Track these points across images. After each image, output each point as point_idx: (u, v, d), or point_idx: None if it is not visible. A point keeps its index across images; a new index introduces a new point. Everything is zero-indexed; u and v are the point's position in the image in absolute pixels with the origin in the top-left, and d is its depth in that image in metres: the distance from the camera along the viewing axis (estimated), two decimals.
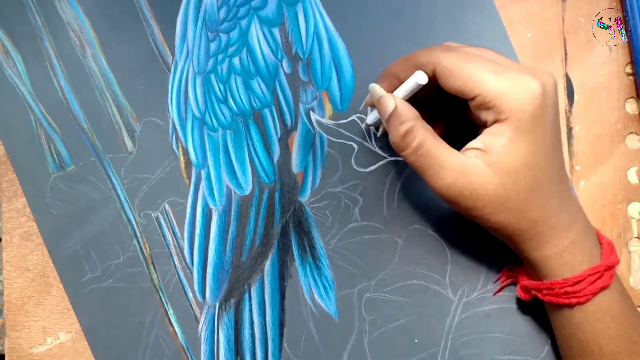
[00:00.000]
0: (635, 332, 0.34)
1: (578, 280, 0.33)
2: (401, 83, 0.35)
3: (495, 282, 0.41)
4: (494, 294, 0.41)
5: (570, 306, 0.34)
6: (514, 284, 0.40)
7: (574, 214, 0.35)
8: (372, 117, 0.40)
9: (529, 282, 0.36)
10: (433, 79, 0.34)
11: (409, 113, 0.34)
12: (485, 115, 0.33)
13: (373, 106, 0.38)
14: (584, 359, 0.35)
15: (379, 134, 0.41)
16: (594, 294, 0.33)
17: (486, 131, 0.33)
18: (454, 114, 0.38)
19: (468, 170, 0.32)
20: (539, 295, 0.36)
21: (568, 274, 0.34)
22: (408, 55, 0.35)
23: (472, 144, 0.33)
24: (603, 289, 0.33)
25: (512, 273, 0.40)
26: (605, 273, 0.33)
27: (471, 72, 0.32)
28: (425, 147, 0.33)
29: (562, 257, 0.34)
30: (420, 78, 0.34)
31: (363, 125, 0.42)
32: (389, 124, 0.35)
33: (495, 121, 0.32)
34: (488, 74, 0.32)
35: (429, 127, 0.34)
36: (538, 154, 0.32)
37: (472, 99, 0.32)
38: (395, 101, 0.34)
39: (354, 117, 0.42)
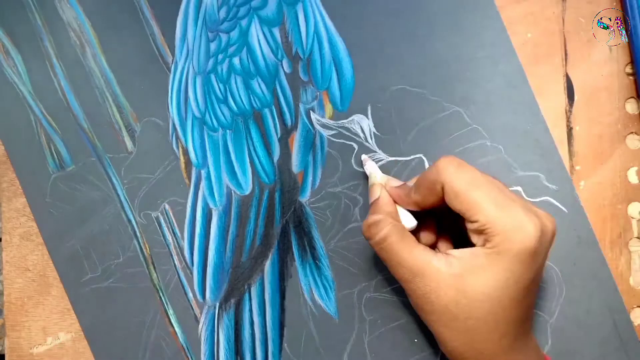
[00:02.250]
0: None
1: None
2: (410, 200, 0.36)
3: None
4: None
5: None
6: None
7: (527, 355, 0.34)
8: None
9: None
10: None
11: (384, 208, 0.36)
12: (477, 239, 0.32)
13: None
14: None
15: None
16: None
17: (470, 249, 0.33)
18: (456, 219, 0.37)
19: (427, 272, 0.32)
20: None
21: None
22: (419, 178, 0.35)
23: (451, 250, 0.33)
24: None
25: None
26: None
27: (476, 199, 0.32)
28: (387, 242, 0.34)
29: None
30: (408, 222, 0.36)
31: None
32: (370, 209, 0.37)
33: (483, 245, 0.32)
34: (491, 205, 0.31)
35: (399, 224, 0.35)
36: (505, 292, 0.31)
37: (471, 222, 0.32)
38: (380, 193, 0.37)
39: (354, 117, 0.42)
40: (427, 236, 0.37)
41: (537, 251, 0.31)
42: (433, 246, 0.38)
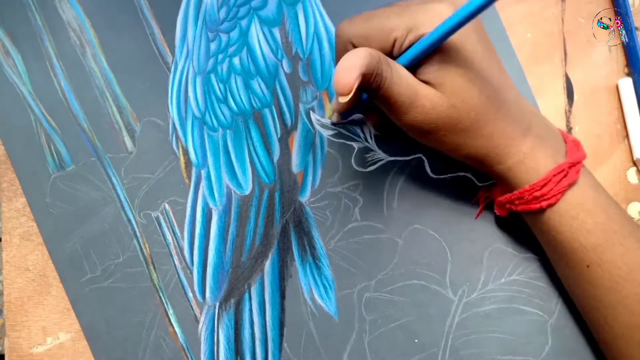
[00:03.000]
0: (613, 222, 0.34)
1: (544, 182, 0.33)
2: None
3: (473, 202, 0.41)
4: (476, 218, 0.41)
5: (543, 210, 0.34)
6: (491, 204, 0.40)
7: (529, 118, 0.35)
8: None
9: (503, 197, 0.36)
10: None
11: (371, 51, 0.31)
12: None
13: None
14: (569, 259, 0.35)
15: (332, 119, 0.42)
16: (562, 193, 0.33)
17: (419, 69, 0.33)
18: None
19: (421, 94, 0.32)
20: (513, 207, 0.36)
21: (534, 179, 0.34)
22: (337, 48, 0.36)
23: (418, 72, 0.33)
24: (570, 185, 0.33)
25: (487, 194, 0.40)
26: (570, 170, 0.33)
27: (379, 25, 0.32)
28: (388, 83, 0.32)
29: (525, 164, 0.34)
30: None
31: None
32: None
33: None
34: (394, 17, 0.32)
35: (388, 60, 0.32)
36: (473, 68, 0.32)
37: (392, 47, 0.33)
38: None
39: (353, 117, 0.42)
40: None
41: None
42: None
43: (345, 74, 0.30)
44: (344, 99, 0.31)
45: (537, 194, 0.34)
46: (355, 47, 0.34)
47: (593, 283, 0.34)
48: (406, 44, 0.32)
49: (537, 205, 0.34)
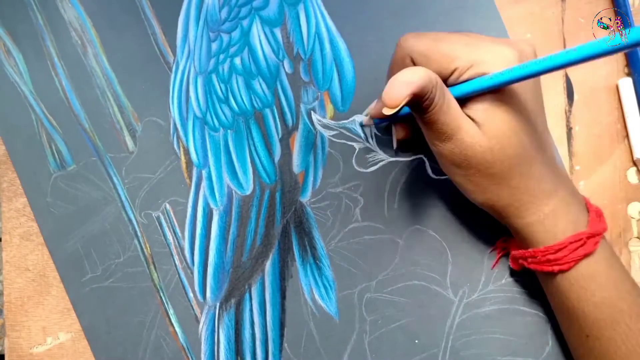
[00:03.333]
0: (622, 301, 0.34)
1: (559, 247, 0.33)
2: None
3: (490, 252, 0.41)
4: (492, 267, 0.41)
5: (554, 274, 0.34)
6: (508, 255, 0.40)
7: (558, 181, 0.35)
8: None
9: (517, 252, 0.37)
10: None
11: (426, 71, 0.31)
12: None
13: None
14: (572, 325, 0.35)
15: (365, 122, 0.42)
16: (577, 262, 0.33)
17: (468, 103, 0.33)
18: None
19: (464, 128, 0.32)
20: (525, 263, 0.36)
21: (550, 242, 0.34)
22: (394, 57, 0.36)
23: (465, 108, 0.33)
24: (586, 256, 0.33)
25: (505, 244, 0.40)
26: (588, 240, 0.33)
27: (444, 50, 0.32)
28: (438, 106, 0.32)
29: (544, 224, 0.34)
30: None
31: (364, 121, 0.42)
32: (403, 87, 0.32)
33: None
34: (461, 47, 0.32)
35: (441, 84, 0.32)
36: (521, 119, 0.32)
37: (450, 75, 0.33)
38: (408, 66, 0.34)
39: (355, 117, 0.42)
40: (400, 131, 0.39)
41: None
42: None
43: (399, 87, 0.30)
44: (387, 112, 0.30)
45: (551, 257, 0.34)
46: (414, 63, 0.34)
47: (589, 353, 0.35)
48: (465, 76, 0.32)
49: (549, 268, 0.34)
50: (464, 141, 0.32)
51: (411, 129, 0.39)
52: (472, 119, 0.33)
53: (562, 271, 0.34)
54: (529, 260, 0.35)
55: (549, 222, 0.34)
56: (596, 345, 0.34)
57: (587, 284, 0.34)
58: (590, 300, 0.34)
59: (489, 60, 0.32)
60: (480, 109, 0.32)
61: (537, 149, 0.34)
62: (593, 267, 0.34)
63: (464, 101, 0.33)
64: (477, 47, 0.32)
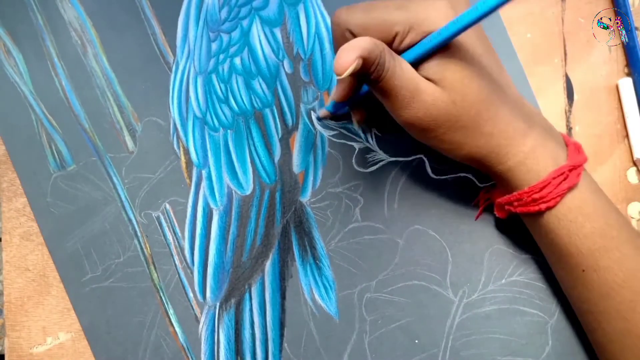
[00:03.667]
0: (612, 228, 0.34)
1: (543, 185, 0.33)
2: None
3: (473, 204, 0.41)
4: (475, 219, 0.41)
5: (541, 213, 0.34)
6: (491, 206, 0.40)
7: (530, 119, 0.35)
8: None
9: (502, 198, 0.36)
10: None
11: (372, 39, 0.31)
12: (410, 41, 0.33)
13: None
14: (566, 262, 0.35)
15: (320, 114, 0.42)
16: (562, 196, 0.33)
17: (418, 65, 0.33)
18: None
19: (422, 89, 0.32)
20: (512, 208, 0.36)
21: (534, 181, 0.34)
22: (334, 35, 0.35)
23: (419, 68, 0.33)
24: (570, 189, 0.33)
25: (487, 195, 0.40)
26: (570, 173, 0.33)
27: (380, 17, 0.32)
28: (389, 73, 0.32)
29: (525, 164, 0.34)
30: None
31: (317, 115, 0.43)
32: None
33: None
34: (395, 11, 0.32)
35: (390, 51, 0.32)
36: (473, 64, 0.32)
37: (393, 40, 0.32)
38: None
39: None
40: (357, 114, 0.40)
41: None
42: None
43: (346, 53, 0.30)
44: (341, 79, 0.31)
45: (536, 196, 0.34)
46: (354, 36, 0.34)
47: (588, 287, 0.34)
48: (407, 40, 0.32)
49: (536, 208, 0.34)
50: (426, 101, 0.32)
51: (366, 109, 0.40)
52: (428, 79, 0.32)
53: (549, 208, 0.34)
54: (515, 204, 0.35)
55: (529, 161, 0.34)
56: (594, 278, 0.34)
57: (575, 216, 0.34)
58: (581, 232, 0.33)
59: (427, 17, 0.32)
60: (432, 66, 0.32)
61: (498, 91, 0.33)
62: (578, 199, 0.34)
63: (414, 65, 0.33)
64: (411, 7, 0.32)
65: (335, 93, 0.37)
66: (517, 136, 0.34)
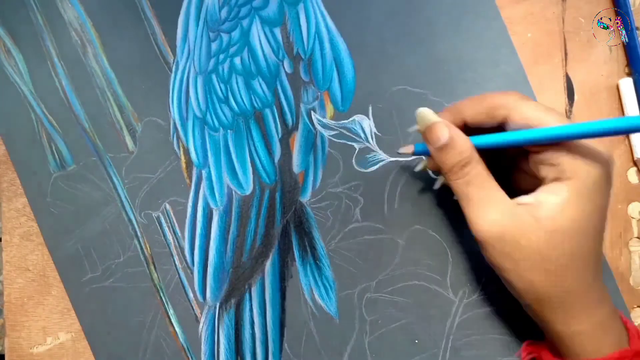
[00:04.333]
0: None
1: None
2: (464, 123, 0.35)
3: (515, 356, 0.40)
4: None
5: None
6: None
7: (603, 293, 0.33)
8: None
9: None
10: (499, 123, 0.33)
11: (467, 143, 0.33)
12: (546, 172, 0.32)
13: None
14: None
15: (417, 168, 0.41)
16: None
17: (542, 188, 0.32)
18: (507, 162, 0.37)
19: (516, 214, 0.31)
20: None
21: (594, 355, 0.32)
22: (481, 95, 0.35)
23: (522, 198, 0.33)
24: None
25: (533, 348, 0.38)
26: (634, 358, 0.32)
27: (527, 115, 0.32)
28: (479, 180, 0.32)
29: (591, 336, 0.32)
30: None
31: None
32: (440, 153, 0.33)
33: (556, 179, 0.31)
34: (547, 119, 0.31)
35: (483, 163, 0.33)
36: (590, 222, 0.31)
37: (540, 152, 0.32)
38: (450, 130, 0.33)
39: (355, 117, 0.42)
40: None
41: (609, 175, 0.31)
42: None
43: (445, 127, 0.33)
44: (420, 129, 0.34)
45: None
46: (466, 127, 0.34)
47: None
48: (543, 172, 0.32)
49: None
50: (503, 210, 0.32)
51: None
52: (535, 205, 0.32)
53: None
54: None
55: (597, 333, 0.32)
56: None
57: None
58: None
59: (585, 153, 0.31)
60: (553, 202, 0.31)
61: (593, 255, 0.32)
62: None
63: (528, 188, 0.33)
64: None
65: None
66: (592, 305, 0.32)
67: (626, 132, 0.29)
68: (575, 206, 0.31)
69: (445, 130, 0.33)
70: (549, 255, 0.31)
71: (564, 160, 0.31)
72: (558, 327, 0.33)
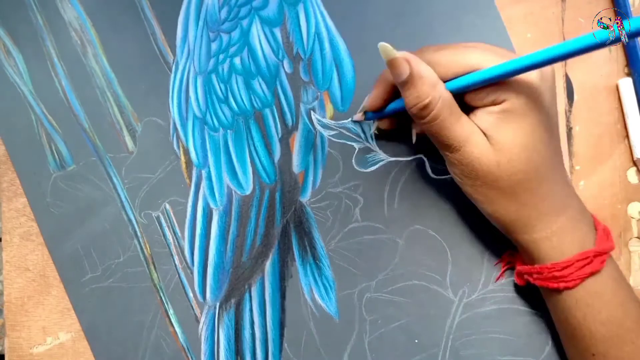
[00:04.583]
0: (629, 319, 0.34)
1: (566, 265, 0.33)
2: (393, 89, 0.36)
3: (495, 265, 0.41)
4: (495, 280, 0.41)
5: (559, 291, 0.34)
6: (513, 269, 0.40)
7: (567, 199, 0.35)
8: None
9: (522, 267, 0.37)
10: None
11: (429, 80, 0.32)
12: (482, 99, 0.33)
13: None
14: (577, 343, 0.35)
15: (372, 129, 0.42)
16: (583, 279, 0.33)
17: (483, 111, 0.33)
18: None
19: (471, 141, 0.33)
20: (530, 279, 0.36)
21: (557, 259, 0.34)
22: (452, 50, 0.35)
23: (476, 117, 0.34)
24: (592, 274, 0.33)
25: (511, 258, 0.40)
26: (595, 259, 0.33)
27: (471, 62, 0.32)
28: (440, 119, 0.32)
29: (551, 241, 0.34)
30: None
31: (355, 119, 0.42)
32: (405, 89, 0.33)
33: (492, 103, 0.33)
34: (487, 62, 0.32)
35: (446, 95, 0.33)
36: (533, 137, 0.32)
37: (478, 96, 0.33)
38: (416, 65, 0.33)
39: (355, 117, 0.42)
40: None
41: (542, 89, 0.32)
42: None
43: (406, 59, 0.32)
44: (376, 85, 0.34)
45: (557, 274, 0.34)
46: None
47: None
48: (478, 100, 0.33)
49: (555, 285, 0.34)
50: (472, 152, 0.33)
51: (397, 122, 0.40)
52: (482, 130, 0.33)
53: (567, 288, 0.34)
54: (534, 276, 0.35)
55: (556, 239, 0.34)
56: None
57: (593, 301, 0.34)
58: (597, 317, 0.34)
59: (513, 80, 0.32)
60: (491, 121, 0.33)
61: (547, 168, 0.34)
62: (599, 285, 0.34)
63: (474, 109, 0.33)
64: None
65: (367, 100, 0.39)
66: (550, 213, 0.34)
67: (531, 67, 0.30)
68: (514, 125, 0.32)
69: (405, 66, 0.33)
70: (500, 175, 0.33)
71: (494, 94, 0.32)
72: (520, 237, 0.35)
